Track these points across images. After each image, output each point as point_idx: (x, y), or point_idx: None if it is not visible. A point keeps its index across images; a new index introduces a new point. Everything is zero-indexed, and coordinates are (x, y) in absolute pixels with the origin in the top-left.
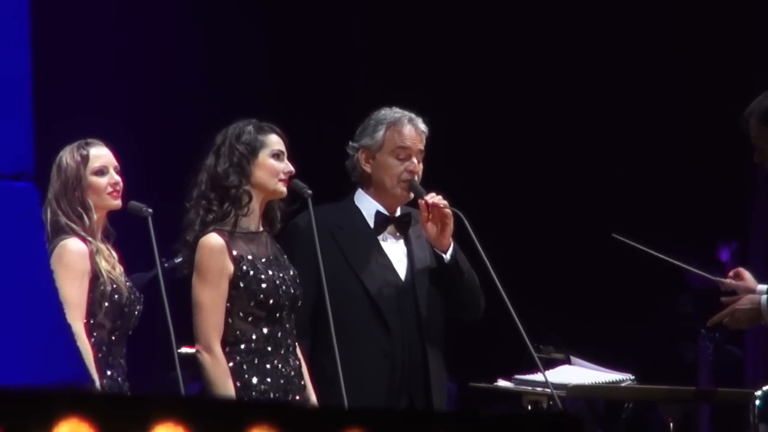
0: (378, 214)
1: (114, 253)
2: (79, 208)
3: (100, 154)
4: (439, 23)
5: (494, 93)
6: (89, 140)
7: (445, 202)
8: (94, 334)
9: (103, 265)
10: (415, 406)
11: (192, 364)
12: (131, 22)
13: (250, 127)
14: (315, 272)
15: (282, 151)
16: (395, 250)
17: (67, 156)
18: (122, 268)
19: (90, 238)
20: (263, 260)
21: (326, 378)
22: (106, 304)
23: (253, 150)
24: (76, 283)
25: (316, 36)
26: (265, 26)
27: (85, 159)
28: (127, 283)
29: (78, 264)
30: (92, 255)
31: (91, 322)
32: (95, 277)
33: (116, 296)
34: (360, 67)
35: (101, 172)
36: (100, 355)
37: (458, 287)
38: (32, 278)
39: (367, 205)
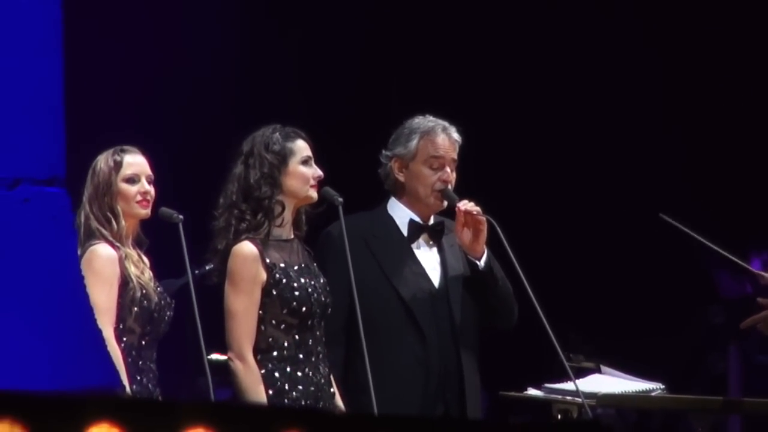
0: (411, 222)
1: (145, 259)
2: (108, 214)
3: (134, 162)
4: (473, 33)
5: (529, 102)
6: (125, 147)
7: (479, 209)
8: (124, 339)
9: (133, 270)
10: (450, 414)
11: (221, 370)
12: (163, 28)
13: (277, 135)
14: (348, 281)
15: (310, 156)
16: (429, 259)
17: (102, 161)
18: (151, 274)
19: (119, 244)
20: (295, 268)
21: (359, 386)
22: (136, 309)
23: (283, 158)
24: (105, 288)
25: (349, 43)
26: (296, 33)
27: (118, 165)
28: (158, 289)
29: (107, 269)
30: (121, 260)
31: (121, 327)
32: (125, 282)
33: (145, 302)
34: (394, 74)
35: (132, 180)
36: (129, 360)
37: (492, 295)
38: (63, 284)
39: (401, 214)
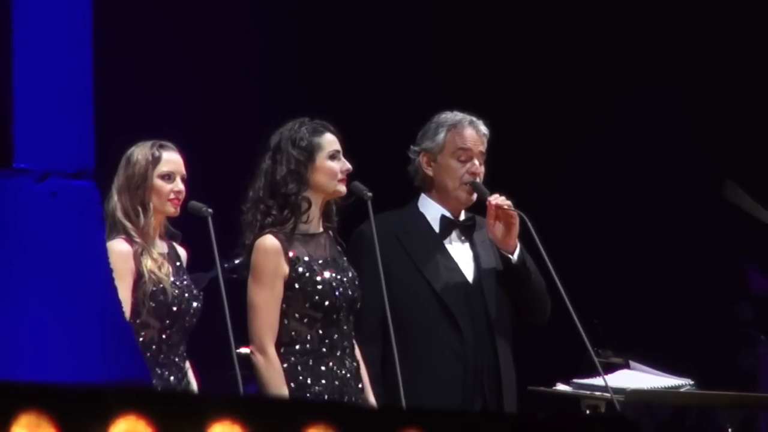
0: (443, 218)
1: (183, 252)
2: (138, 207)
3: (171, 159)
4: (502, 27)
5: (557, 95)
6: (163, 143)
7: (510, 203)
8: (142, 333)
9: (149, 265)
10: (489, 409)
11: (250, 364)
12: (191, 21)
13: (305, 130)
14: (382, 278)
15: (338, 150)
16: (461, 254)
17: (139, 152)
18: (175, 267)
19: (138, 239)
20: (320, 261)
21: (396, 382)
22: (152, 304)
23: (310, 154)
24: (118, 283)
25: (379, 40)
26: (325, 29)
27: (156, 160)
28: (184, 282)
29: (119, 264)
30: (136, 255)
31: (137, 321)
32: (139, 277)
33: (161, 296)
34: (422, 71)
35: (168, 177)
36: (149, 354)
37: (525, 289)
38: (92, 276)
39: (432, 210)
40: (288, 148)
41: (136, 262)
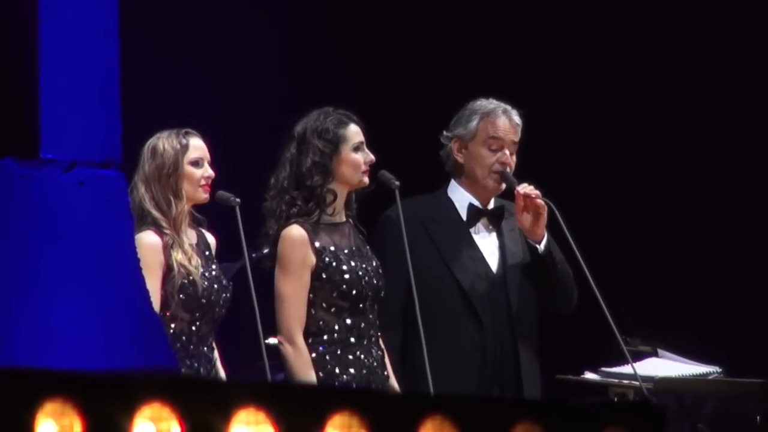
0: (471, 206)
1: (211, 238)
2: (170, 195)
3: (198, 146)
4: (536, 15)
5: (589, 87)
6: (188, 130)
7: (538, 192)
8: (172, 326)
9: (179, 257)
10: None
11: (279, 354)
12: (216, 11)
13: (330, 121)
14: (406, 264)
15: (362, 142)
16: (488, 243)
17: (165, 141)
18: (199, 261)
19: (168, 230)
20: (346, 251)
21: (416, 370)
22: (181, 296)
23: (335, 146)
24: (147, 276)
25: (409, 26)
26: (354, 15)
27: (185, 147)
28: (213, 272)
29: (148, 257)
30: (166, 247)
31: (167, 314)
32: (169, 269)
33: (191, 288)
34: (455, 58)
35: (197, 163)
36: (179, 345)
37: (552, 279)
38: (119, 266)
39: (460, 197)
40: (313, 140)
41: (165, 254)
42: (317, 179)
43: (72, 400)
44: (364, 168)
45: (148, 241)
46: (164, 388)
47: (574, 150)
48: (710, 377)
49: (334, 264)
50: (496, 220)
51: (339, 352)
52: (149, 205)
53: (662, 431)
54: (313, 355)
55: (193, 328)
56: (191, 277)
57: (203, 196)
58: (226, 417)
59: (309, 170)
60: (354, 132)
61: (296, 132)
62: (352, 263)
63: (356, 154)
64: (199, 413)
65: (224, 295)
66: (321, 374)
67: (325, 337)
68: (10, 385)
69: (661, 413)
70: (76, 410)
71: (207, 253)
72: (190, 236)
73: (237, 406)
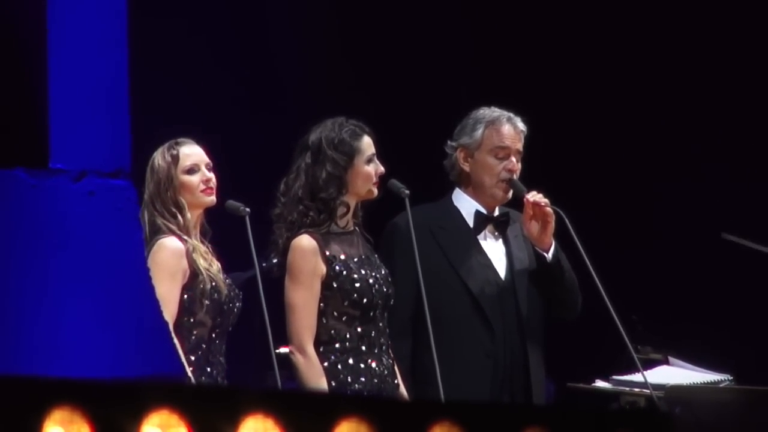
0: (477, 213)
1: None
2: (173, 208)
3: (191, 153)
4: (539, 23)
5: (594, 93)
6: (179, 140)
7: (547, 201)
8: (195, 332)
9: (201, 263)
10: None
11: (289, 363)
12: (225, 20)
13: (345, 133)
14: (415, 272)
15: (374, 153)
16: (495, 250)
17: (159, 157)
18: (220, 266)
19: (186, 237)
20: (355, 260)
21: (427, 378)
22: (207, 302)
23: (350, 158)
24: (166, 280)
25: (415, 35)
26: (365, 24)
27: (176, 159)
28: (227, 281)
29: (169, 262)
30: (189, 253)
31: (191, 320)
32: (194, 275)
33: (216, 294)
34: (459, 66)
35: (192, 170)
36: (200, 352)
37: (559, 286)
38: (129, 275)
39: (466, 205)
40: (329, 151)
41: (189, 260)
42: (332, 191)
43: (80, 407)
44: (374, 180)
45: (171, 245)
46: (172, 396)
47: (581, 157)
48: (721, 385)
49: (344, 273)
50: (501, 227)
51: (351, 361)
52: (161, 221)
53: None
54: (325, 364)
55: (213, 335)
56: (214, 282)
57: (207, 199)
58: (234, 424)
59: (325, 182)
60: (367, 144)
61: (311, 141)
62: (363, 272)
63: (368, 166)
64: (207, 420)
65: (237, 303)
66: (333, 383)
67: (337, 345)
68: (18, 392)
69: (669, 420)
70: (84, 418)
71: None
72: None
73: (245, 413)
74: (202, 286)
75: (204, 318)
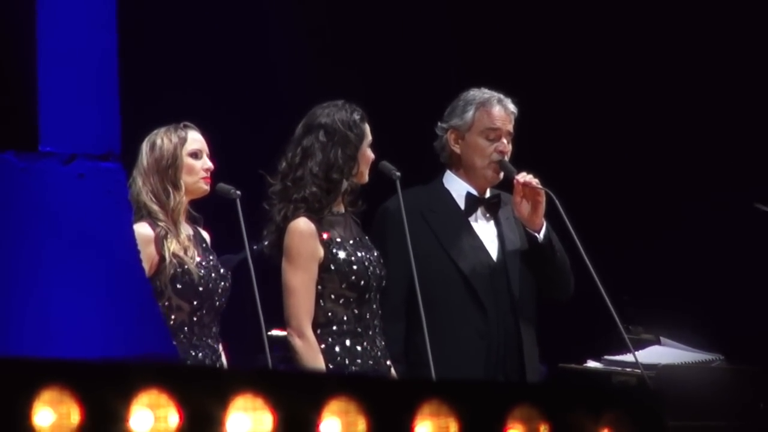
0: (468, 195)
1: (206, 235)
2: (169, 187)
3: (197, 138)
4: (527, 4)
5: (584, 74)
6: (186, 123)
7: (537, 181)
8: (172, 317)
9: (173, 247)
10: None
11: (281, 346)
12: (217, 5)
13: (356, 115)
14: (407, 255)
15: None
16: (486, 232)
17: (164, 136)
18: (200, 250)
19: (163, 222)
20: (351, 242)
21: (420, 361)
22: (178, 286)
23: (360, 141)
24: None
25: (405, 16)
26: (352, 6)
27: (183, 140)
28: (212, 262)
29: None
30: (158, 239)
31: (165, 304)
32: (161, 260)
33: (186, 277)
34: (449, 48)
35: (196, 155)
36: (182, 336)
37: (550, 267)
38: (118, 256)
39: (457, 187)
40: (346, 131)
41: (157, 246)
42: (346, 171)
43: (69, 388)
44: (369, 165)
45: (137, 232)
46: (162, 376)
47: (571, 138)
48: (713, 365)
49: (341, 255)
50: (493, 208)
51: (348, 342)
52: (146, 198)
53: (661, 418)
54: (322, 346)
55: (195, 318)
56: (185, 266)
57: (204, 187)
58: (223, 403)
59: (343, 161)
60: (369, 130)
61: (323, 122)
62: (359, 254)
63: (369, 151)
64: (196, 400)
65: (223, 284)
66: (330, 366)
67: (334, 327)
68: (7, 373)
69: (660, 399)
70: (73, 398)
71: (204, 245)
72: (187, 229)
73: (235, 393)
74: (169, 271)
75: (178, 302)
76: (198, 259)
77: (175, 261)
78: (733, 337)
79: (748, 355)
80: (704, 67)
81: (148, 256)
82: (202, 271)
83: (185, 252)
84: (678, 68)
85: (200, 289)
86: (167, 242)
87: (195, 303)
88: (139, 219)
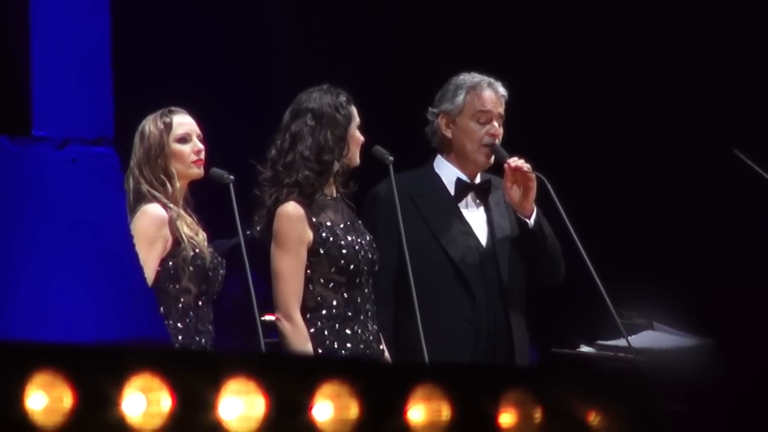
0: (458, 181)
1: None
2: (162, 176)
3: (183, 122)
4: None
5: (574, 56)
6: (172, 108)
7: (528, 166)
8: (181, 299)
9: (185, 230)
10: None
11: (274, 331)
12: None
13: (342, 98)
14: (397, 240)
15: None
16: (476, 217)
17: (150, 124)
18: (205, 235)
19: (171, 205)
20: (341, 226)
21: (411, 346)
22: (190, 268)
23: (349, 122)
24: (144, 248)
25: (393, 2)
26: None
27: (168, 126)
28: (209, 249)
29: (150, 229)
30: (172, 221)
31: (176, 287)
32: (177, 242)
33: (199, 261)
34: (439, 32)
35: (184, 139)
36: (187, 320)
37: (541, 252)
38: (112, 241)
39: (447, 172)
40: (333, 113)
41: (172, 228)
42: (336, 153)
43: (62, 371)
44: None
45: (154, 212)
46: (154, 359)
47: (562, 122)
48: (705, 349)
49: (331, 239)
50: (483, 194)
51: (337, 326)
52: (147, 188)
53: (654, 402)
54: (312, 330)
55: (200, 302)
56: (198, 250)
57: (196, 171)
58: (216, 387)
59: (333, 142)
60: (356, 112)
61: (310, 107)
62: (349, 238)
63: (358, 133)
64: (189, 384)
65: (221, 271)
66: (320, 350)
67: (324, 312)
68: (0, 357)
69: (652, 383)
70: (66, 382)
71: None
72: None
73: (227, 376)
74: (185, 253)
75: (188, 285)
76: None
77: (192, 243)
78: (725, 322)
79: (739, 340)
80: (685, 47)
81: (163, 237)
82: (210, 256)
83: (197, 234)
84: (661, 49)
85: (209, 274)
86: (179, 225)
87: (202, 287)
88: (148, 201)
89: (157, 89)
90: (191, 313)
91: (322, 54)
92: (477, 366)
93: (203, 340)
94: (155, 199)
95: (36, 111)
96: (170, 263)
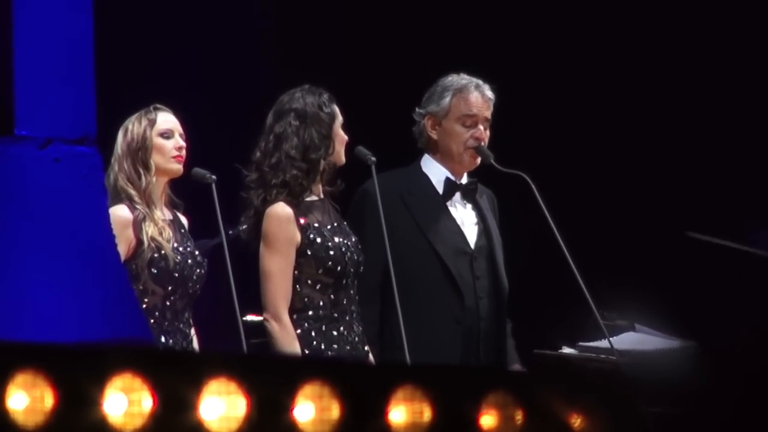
0: (447, 180)
1: (185, 220)
2: (141, 168)
3: (167, 119)
4: None
5: (561, 60)
6: (157, 105)
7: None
8: (145, 300)
9: (151, 231)
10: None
11: (256, 332)
12: None
13: (324, 97)
14: (384, 238)
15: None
16: (464, 217)
17: (135, 120)
18: (172, 234)
19: (140, 205)
20: (329, 227)
21: (396, 345)
22: (153, 270)
23: (333, 121)
24: None
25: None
26: None
27: (152, 122)
28: (189, 248)
29: (115, 230)
30: (136, 222)
31: (139, 288)
32: (139, 243)
33: (162, 262)
34: (427, 32)
35: (167, 134)
36: (152, 321)
37: None
38: (94, 240)
39: (435, 171)
40: (317, 111)
41: (135, 229)
42: (322, 152)
43: (43, 371)
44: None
45: (117, 214)
46: (135, 360)
47: (549, 124)
48: (687, 351)
49: (318, 240)
50: (469, 194)
51: (324, 327)
52: (123, 182)
53: (636, 404)
54: (298, 331)
55: (168, 303)
56: (162, 251)
57: (176, 166)
58: (197, 387)
59: (318, 140)
60: (339, 110)
61: (293, 107)
62: (336, 239)
63: (342, 131)
64: (170, 384)
65: (198, 270)
66: (306, 351)
67: (310, 312)
68: None
69: (634, 385)
70: (47, 382)
71: (182, 230)
72: (165, 214)
73: (208, 377)
74: (146, 255)
75: (152, 286)
76: (175, 244)
77: (153, 245)
78: (707, 323)
79: (721, 342)
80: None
81: (125, 238)
82: (179, 257)
83: (161, 234)
84: (654, 54)
85: (175, 275)
86: (145, 226)
87: (169, 288)
88: (118, 202)
89: (140, 89)
90: (157, 314)
91: (307, 54)
92: (458, 368)
93: (171, 341)
94: (126, 199)
95: (18, 110)
96: (133, 265)
